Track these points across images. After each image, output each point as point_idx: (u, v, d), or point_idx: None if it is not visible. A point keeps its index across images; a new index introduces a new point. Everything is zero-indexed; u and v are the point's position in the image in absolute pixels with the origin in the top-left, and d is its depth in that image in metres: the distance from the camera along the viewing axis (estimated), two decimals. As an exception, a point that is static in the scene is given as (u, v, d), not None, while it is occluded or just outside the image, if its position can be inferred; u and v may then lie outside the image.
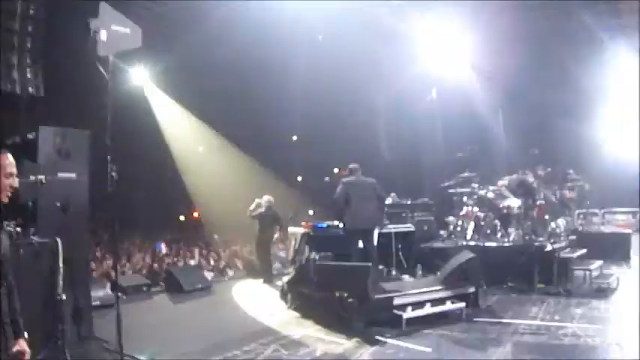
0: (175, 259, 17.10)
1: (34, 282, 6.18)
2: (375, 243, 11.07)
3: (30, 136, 8.57)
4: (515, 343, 8.07)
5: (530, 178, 13.92)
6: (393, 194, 13.41)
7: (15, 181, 3.78)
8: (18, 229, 7.28)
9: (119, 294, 6.27)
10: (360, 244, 10.71)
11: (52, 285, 6.82)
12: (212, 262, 17.01)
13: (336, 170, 17.10)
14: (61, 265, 6.77)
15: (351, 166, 11.08)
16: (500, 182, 14.01)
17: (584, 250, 12.94)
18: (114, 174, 5.56)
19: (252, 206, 15.09)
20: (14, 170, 3.79)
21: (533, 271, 11.73)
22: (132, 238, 20.57)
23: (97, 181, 7.36)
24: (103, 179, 6.03)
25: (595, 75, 16.05)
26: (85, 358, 7.55)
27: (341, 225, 11.09)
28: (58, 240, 7.19)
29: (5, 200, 3.72)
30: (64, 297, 6.90)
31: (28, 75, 10.01)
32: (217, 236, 22.48)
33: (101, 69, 6.41)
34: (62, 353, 6.76)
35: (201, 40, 17.68)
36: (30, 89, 10.00)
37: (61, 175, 7.89)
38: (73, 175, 8.01)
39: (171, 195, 32.18)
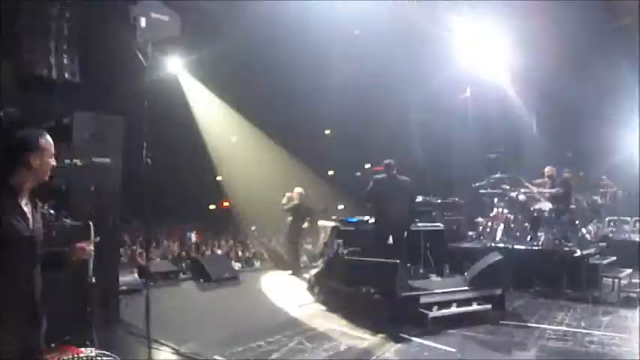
0: (204, 247, 17.21)
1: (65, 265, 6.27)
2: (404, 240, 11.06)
3: (65, 120, 8.71)
4: (540, 348, 8.03)
5: (571, 180, 13.80)
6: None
7: (54, 162, 3.88)
8: (51, 211, 7.41)
9: (147, 280, 6.35)
10: (390, 241, 10.70)
11: (82, 268, 6.92)
12: (240, 253, 17.09)
13: (367, 166, 17.05)
14: (92, 248, 6.87)
15: (386, 162, 11.00)
16: (536, 182, 13.91)
17: (614, 258, 12.82)
18: (149, 160, 5.61)
19: (285, 200, 15.24)
20: (53, 150, 3.89)
21: (562, 276, 11.68)
22: (162, 225, 20.76)
23: (131, 167, 7.44)
24: (137, 165, 6.10)
25: (632, 80, 15.81)
26: (111, 342, 7.65)
27: (372, 221, 11.06)
28: (91, 223, 7.30)
29: (47, 179, 3.83)
30: (94, 280, 7.00)
31: (65, 60, 10.12)
32: (254, 228, 22.54)
33: (139, 56, 6.49)
34: (90, 336, 6.86)
35: (238, 33, 17.77)
36: (66, 75, 10.11)
37: (95, 159, 8.01)
38: (107, 160, 8.12)
39: (203, 184, 32.44)
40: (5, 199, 3.67)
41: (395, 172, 10.86)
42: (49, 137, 3.92)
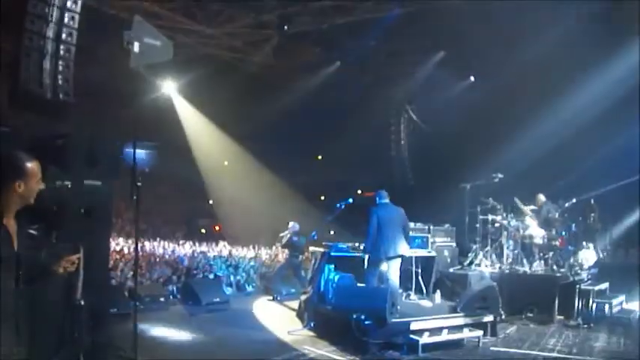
0: (194, 271, 17.13)
1: (54, 286, 6.23)
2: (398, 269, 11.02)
3: (58, 141, 8.69)
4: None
5: (554, 213, 13.81)
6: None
7: (41, 185, 3.88)
8: (41, 232, 7.37)
9: (136, 303, 6.31)
10: (383, 268, 10.66)
11: (72, 290, 6.88)
12: (231, 277, 17.02)
13: (359, 192, 17.07)
14: (81, 270, 6.84)
15: (380, 192, 11.03)
16: (526, 211, 13.94)
17: (607, 284, 12.82)
18: (139, 183, 5.60)
19: (282, 239, 15.48)
20: (40, 175, 3.90)
21: (554, 302, 11.64)
22: (153, 247, 20.69)
23: (122, 190, 7.43)
24: (128, 188, 6.10)
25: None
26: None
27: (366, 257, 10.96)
28: (80, 245, 7.27)
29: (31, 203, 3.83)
30: (82, 303, 6.96)
31: (60, 81, 10.14)
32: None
33: (133, 79, 6.50)
34: (77, 359, 6.81)
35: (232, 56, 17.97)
36: (60, 95, 10.12)
37: (86, 182, 7.98)
38: (98, 183, 8.09)
39: (194, 206, 32.43)
40: None
41: (385, 200, 10.88)
42: (34, 162, 3.92)
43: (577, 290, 11.70)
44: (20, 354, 3.97)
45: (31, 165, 3.88)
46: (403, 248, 10.64)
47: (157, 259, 18.03)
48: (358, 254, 11.34)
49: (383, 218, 10.57)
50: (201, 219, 31.58)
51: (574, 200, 13.83)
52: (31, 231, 6.77)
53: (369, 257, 10.81)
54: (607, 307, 11.79)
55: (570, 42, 14.74)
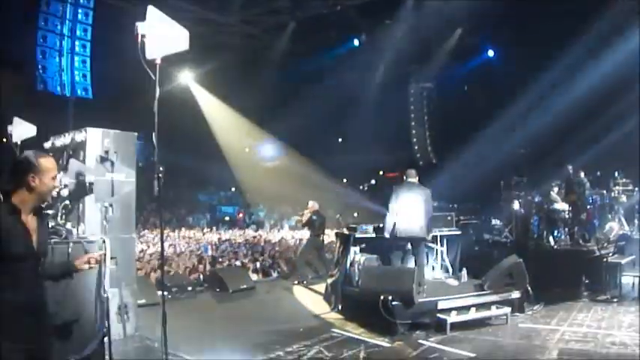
0: (220, 259, 17.23)
1: (81, 280, 6.30)
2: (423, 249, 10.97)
3: (79, 137, 8.75)
4: (560, 351, 7.94)
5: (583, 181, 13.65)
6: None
7: (57, 182, 3.91)
8: (67, 227, 7.45)
9: (164, 293, 6.35)
10: (407, 248, 10.64)
11: (99, 283, 6.95)
12: (257, 263, 17.08)
13: (381, 172, 17.07)
14: (108, 263, 6.89)
15: (408, 171, 10.93)
16: (552, 187, 13.81)
17: (634, 256, 12.70)
18: (161, 175, 5.62)
19: (303, 218, 15.44)
20: (56, 172, 3.97)
21: (581, 277, 11.55)
22: (178, 237, 20.86)
23: (146, 183, 7.46)
24: (151, 180, 6.11)
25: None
26: (127, 355, 7.67)
27: (387, 235, 10.88)
28: (106, 239, 7.33)
29: (49, 200, 3.87)
30: (110, 295, 7.03)
31: (77, 78, 10.21)
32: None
33: (149, 71, 6.51)
34: (107, 350, 6.89)
35: (250, 42, 17.98)
36: (79, 91, 10.19)
37: (109, 175, 8.03)
38: (121, 176, 8.14)
39: (217, 195, 32.62)
40: (8, 217, 3.79)
41: (411, 179, 10.79)
42: (49, 158, 4.00)
43: (604, 264, 11.58)
44: (49, 346, 4.06)
45: (44, 160, 3.95)
46: (423, 229, 10.56)
47: (183, 249, 18.17)
48: (383, 235, 11.29)
49: (405, 197, 10.48)
50: (224, 206, 31.80)
51: (599, 173, 13.68)
52: (58, 226, 6.90)
53: (392, 238, 10.76)
54: (635, 279, 11.68)
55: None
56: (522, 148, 14.78)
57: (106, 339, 6.94)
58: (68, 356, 5.94)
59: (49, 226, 4.15)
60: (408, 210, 10.39)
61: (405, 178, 10.84)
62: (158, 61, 6.22)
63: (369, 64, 21.88)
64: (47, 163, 3.94)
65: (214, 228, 26.71)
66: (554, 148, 17.37)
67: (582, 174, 14.01)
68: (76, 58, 10.12)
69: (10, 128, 9.09)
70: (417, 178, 10.84)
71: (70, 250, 6.93)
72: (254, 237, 23.21)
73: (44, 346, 3.96)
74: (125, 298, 8.46)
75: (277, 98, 22.89)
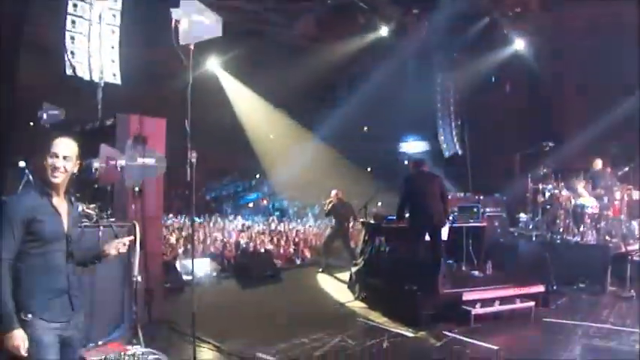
0: (245, 245, 17.31)
1: (111, 264, 6.40)
2: (445, 238, 10.94)
3: (108, 122, 8.85)
4: (583, 346, 7.94)
5: (607, 181, 13.51)
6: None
7: (59, 163, 3.93)
8: (97, 211, 7.54)
9: (193, 278, 6.42)
10: (427, 238, 10.62)
11: (128, 267, 7.05)
12: (281, 250, 17.15)
13: (406, 162, 17.03)
14: (138, 247, 6.98)
15: (416, 159, 10.94)
16: (578, 180, 13.66)
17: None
18: (193, 160, 5.67)
19: (326, 207, 15.50)
20: (61, 152, 3.98)
21: (606, 273, 11.47)
22: (203, 222, 20.96)
23: (176, 168, 7.52)
24: (181, 166, 6.18)
25: None
26: (156, 340, 7.77)
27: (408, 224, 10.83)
28: (136, 223, 7.42)
29: (55, 180, 3.92)
30: (139, 279, 7.13)
31: (106, 63, 10.29)
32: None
33: (183, 57, 6.56)
34: (135, 333, 6.99)
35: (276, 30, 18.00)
36: (107, 77, 10.27)
37: (139, 160, 8.10)
38: (151, 161, 8.21)
39: (242, 181, 32.71)
40: (39, 199, 3.93)
41: (424, 168, 10.77)
42: (59, 139, 4.06)
43: (630, 261, 11.47)
44: (80, 327, 4.16)
45: (54, 141, 4.03)
46: (438, 217, 10.50)
47: (208, 234, 18.26)
48: (407, 225, 11.26)
49: (416, 187, 10.43)
50: (248, 193, 31.91)
51: (626, 169, 13.53)
52: (88, 210, 7.00)
53: (410, 227, 10.72)
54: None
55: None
56: (550, 141, 14.61)
57: (133, 323, 7.05)
58: (97, 339, 6.05)
59: (80, 209, 4.20)
60: (422, 199, 10.34)
61: (415, 167, 10.82)
62: (192, 47, 6.27)
63: (396, 53, 21.74)
64: (53, 143, 4.01)
65: (239, 215, 26.84)
66: (582, 142, 17.19)
67: (609, 169, 13.89)
68: (105, 44, 10.21)
69: (39, 113, 9.20)
70: (426, 165, 10.87)
71: (100, 234, 7.04)
72: (278, 224, 23.28)
73: (76, 326, 4.05)
74: (152, 283, 8.57)
75: (303, 86, 22.86)
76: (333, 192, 15.37)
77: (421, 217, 10.28)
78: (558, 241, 12.65)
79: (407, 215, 10.55)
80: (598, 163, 13.66)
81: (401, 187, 10.53)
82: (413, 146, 25.27)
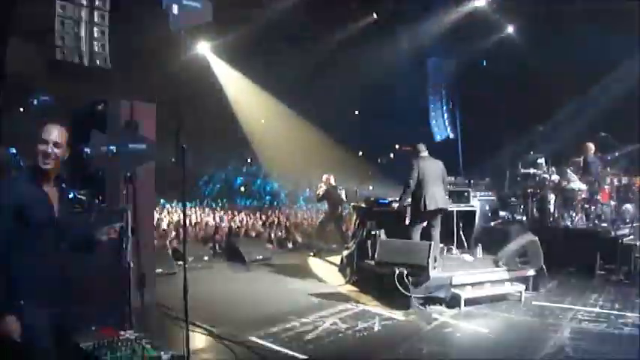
0: (237, 229, 17.35)
1: (103, 249, 6.41)
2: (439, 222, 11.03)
3: (99, 107, 8.82)
4: (573, 330, 8.01)
5: (597, 166, 13.51)
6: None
7: (49, 149, 3.93)
8: (89, 197, 7.54)
9: (181, 263, 6.44)
10: (424, 222, 10.69)
11: (120, 252, 7.05)
12: (272, 234, 17.20)
13: (397, 146, 17.07)
14: (130, 233, 6.99)
15: (420, 146, 10.95)
16: (569, 165, 13.70)
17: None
18: (184, 146, 5.68)
19: (319, 191, 15.53)
20: (51, 139, 3.97)
21: (595, 257, 11.53)
22: (195, 206, 21.01)
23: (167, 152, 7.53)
24: (172, 151, 6.19)
25: None
26: (148, 325, 7.80)
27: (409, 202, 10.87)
28: (128, 208, 7.42)
29: (45, 167, 3.92)
30: (131, 264, 7.14)
31: (96, 48, 10.23)
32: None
33: (171, 43, 6.54)
34: (128, 319, 7.01)
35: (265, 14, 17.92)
36: (97, 62, 10.22)
37: (130, 146, 8.08)
38: (142, 146, 8.19)
39: (233, 166, 32.69)
40: (30, 185, 3.95)
41: (425, 154, 10.83)
42: (48, 125, 4.05)
43: (619, 245, 11.54)
44: (72, 313, 4.18)
45: (44, 127, 4.03)
46: (443, 201, 10.63)
47: (200, 219, 18.29)
48: (400, 209, 11.30)
49: (424, 171, 10.53)
50: (240, 177, 31.91)
51: (617, 154, 13.57)
52: (80, 196, 7.00)
53: (410, 211, 10.80)
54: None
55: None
56: (540, 125, 14.67)
57: (126, 308, 7.07)
58: (90, 324, 6.06)
59: (71, 195, 4.21)
60: (427, 183, 10.43)
61: (418, 152, 10.85)
62: (182, 32, 6.25)
63: (387, 38, 21.73)
64: (44, 129, 4.01)
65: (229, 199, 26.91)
66: (572, 126, 17.26)
67: (600, 154, 13.92)
68: (95, 29, 10.15)
69: (30, 99, 9.19)
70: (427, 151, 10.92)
71: (92, 219, 7.05)
72: (269, 208, 23.35)
73: (67, 312, 4.07)
74: (144, 268, 8.59)
75: (294, 71, 22.83)
76: (325, 176, 15.40)
77: (426, 202, 10.35)
78: (548, 225, 12.72)
79: (410, 200, 10.62)
80: (589, 148, 13.65)
81: (411, 171, 10.55)
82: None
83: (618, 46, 15.69)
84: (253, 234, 16.81)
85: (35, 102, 9.01)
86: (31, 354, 3.76)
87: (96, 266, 6.91)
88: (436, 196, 10.39)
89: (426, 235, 10.57)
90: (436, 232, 10.67)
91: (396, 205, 11.13)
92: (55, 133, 3.97)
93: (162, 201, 20.51)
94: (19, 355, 3.73)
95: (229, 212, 20.79)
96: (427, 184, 10.40)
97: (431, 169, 10.56)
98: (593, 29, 16.15)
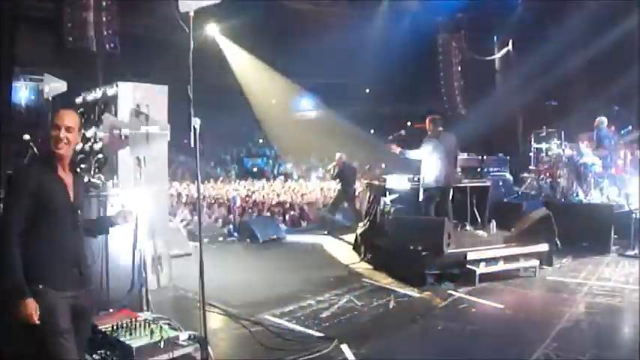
0: (250, 210, 17.41)
1: (119, 232, 6.45)
2: (450, 198, 11.07)
3: (110, 91, 8.84)
4: (587, 304, 8.02)
5: (610, 140, 13.42)
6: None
7: (62, 134, 3.94)
8: (102, 181, 7.58)
9: (197, 244, 6.48)
10: (437, 198, 10.71)
11: (135, 235, 7.10)
12: (286, 214, 17.25)
13: (409, 123, 16.98)
14: (144, 215, 7.02)
15: (435, 117, 10.93)
16: (581, 139, 13.62)
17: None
18: (197, 127, 5.68)
19: (330, 168, 15.55)
20: (64, 124, 3.97)
21: (609, 232, 11.50)
22: (207, 188, 21.07)
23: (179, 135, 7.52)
24: (185, 133, 6.19)
25: None
26: (165, 305, 7.86)
27: (421, 179, 10.89)
28: (141, 192, 7.45)
29: (59, 152, 3.94)
30: (147, 246, 7.19)
31: (105, 32, 10.25)
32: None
33: (182, 24, 6.52)
34: (144, 300, 7.08)
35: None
36: (107, 47, 10.24)
37: (143, 128, 8.09)
38: (155, 129, 8.20)
39: (245, 147, 32.71)
40: (45, 171, 3.97)
41: (441, 128, 10.82)
42: (62, 111, 4.09)
43: (633, 219, 11.51)
44: (91, 295, 4.23)
45: (57, 113, 4.07)
46: (454, 178, 10.66)
47: (213, 200, 18.35)
48: (413, 186, 11.30)
49: (438, 147, 10.55)
50: (252, 158, 31.95)
51: (630, 127, 13.47)
52: (94, 180, 7.05)
53: (423, 187, 10.81)
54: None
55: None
56: (553, 99, 14.57)
57: (142, 289, 7.13)
58: (107, 306, 6.13)
59: (85, 179, 4.24)
60: (440, 159, 10.46)
61: (432, 126, 10.84)
62: (191, 14, 6.23)
63: (397, 14, 21.63)
64: (56, 115, 4.04)
65: (243, 180, 26.95)
66: (585, 100, 17.15)
67: (613, 127, 13.85)
68: (103, 13, 10.18)
69: (41, 85, 9.20)
70: (442, 125, 10.91)
71: (106, 203, 7.10)
72: (282, 187, 23.36)
73: (87, 294, 4.11)
74: (159, 250, 8.65)
75: (304, 50, 22.77)
76: (338, 155, 15.42)
77: (438, 178, 10.38)
78: (562, 200, 12.69)
79: (420, 176, 10.65)
80: (602, 122, 13.55)
81: (425, 148, 10.57)
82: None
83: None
84: (267, 214, 16.85)
85: (47, 88, 8.99)
86: (50, 336, 3.81)
87: (112, 249, 6.99)
88: (448, 172, 10.43)
89: (440, 211, 10.60)
90: (449, 208, 10.70)
91: (419, 187, 11.12)
92: (68, 119, 3.98)
93: (175, 182, 20.59)
94: (39, 338, 3.78)
95: (242, 192, 20.83)
96: (440, 159, 10.43)
97: (444, 144, 10.58)
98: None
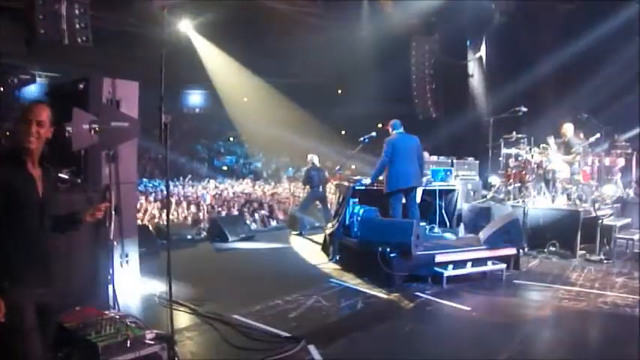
0: (219, 208, 17.35)
1: (85, 228, 6.40)
2: (418, 200, 11.13)
3: (81, 85, 8.73)
4: (553, 308, 8.11)
5: (578, 147, 13.56)
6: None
7: (33, 128, 3.88)
8: (71, 176, 7.49)
9: (165, 242, 6.43)
10: (403, 201, 10.76)
11: (103, 232, 7.04)
12: (255, 213, 17.22)
13: (379, 125, 17.06)
14: (113, 212, 6.98)
15: (395, 123, 11.00)
16: (549, 143, 13.74)
17: (629, 220, 12.81)
18: (167, 124, 5.64)
19: (303, 173, 15.60)
20: (34, 117, 3.90)
21: (576, 237, 11.64)
22: (178, 185, 20.95)
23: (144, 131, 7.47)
24: (155, 129, 6.15)
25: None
26: (132, 304, 7.81)
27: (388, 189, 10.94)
28: (110, 187, 7.40)
29: (29, 146, 3.88)
30: (115, 243, 7.13)
31: (77, 26, 10.14)
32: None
33: (155, 20, 6.49)
34: (111, 298, 7.02)
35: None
36: (79, 40, 10.13)
37: (113, 124, 8.01)
38: (125, 125, 8.12)
39: (216, 144, 32.57)
40: (13, 165, 3.88)
41: (401, 130, 10.88)
42: (32, 104, 4.03)
43: (599, 225, 11.66)
44: (57, 292, 4.16)
45: (25, 107, 4.01)
46: (416, 179, 10.72)
47: (182, 198, 18.26)
48: (380, 187, 11.34)
49: (398, 148, 10.59)
50: (221, 156, 31.82)
51: (598, 135, 13.62)
52: (63, 175, 6.96)
53: (387, 189, 10.84)
54: (628, 242, 11.83)
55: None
56: (523, 105, 14.68)
57: (109, 287, 7.07)
58: (73, 304, 6.06)
59: (54, 175, 4.18)
60: (402, 160, 10.51)
61: (391, 128, 10.91)
62: (165, 9, 6.20)
63: (371, 16, 21.68)
64: (25, 109, 3.97)
65: (213, 179, 26.85)
66: (555, 106, 17.33)
67: (581, 134, 14.00)
68: (76, 6, 10.07)
69: (10, 78, 9.08)
70: (403, 128, 10.97)
71: (74, 199, 7.02)
72: (252, 186, 23.33)
73: (52, 291, 4.05)
74: (126, 247, 8.57)
75: (277, 49, 22.76)
76: (309, 157, 15.41)
77: (400, 180, 10.42)
78: (530, 205, 12.81)
79: (381, 178, 10.70)
80: (569, 129, 13.70)
81: (385, 150, 10.61)
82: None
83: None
84: (236, 212, 16.81)
85: (16, 81, 8.89)
86: (15, 335, 3.75)
87: (79, 245, 6.91)
88: (411, 173, 10.49)
89: (408, 213, 10.66)
90: (416, 210, 10.76)
91: (368, 182, 11.24)
92: (39, 112, 3.92)
93: (144, 179, 20.45)
94: (3, 337, 3.72)
95: (212, 191, 20.75)
96: (402, 161, 10.48)
97: (406, 146, 10.62)
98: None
